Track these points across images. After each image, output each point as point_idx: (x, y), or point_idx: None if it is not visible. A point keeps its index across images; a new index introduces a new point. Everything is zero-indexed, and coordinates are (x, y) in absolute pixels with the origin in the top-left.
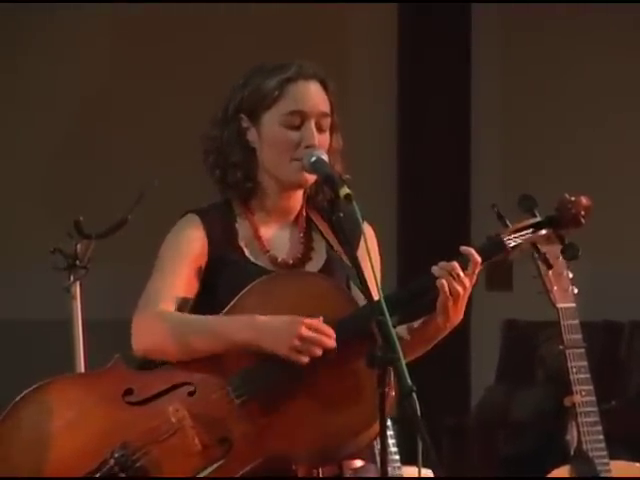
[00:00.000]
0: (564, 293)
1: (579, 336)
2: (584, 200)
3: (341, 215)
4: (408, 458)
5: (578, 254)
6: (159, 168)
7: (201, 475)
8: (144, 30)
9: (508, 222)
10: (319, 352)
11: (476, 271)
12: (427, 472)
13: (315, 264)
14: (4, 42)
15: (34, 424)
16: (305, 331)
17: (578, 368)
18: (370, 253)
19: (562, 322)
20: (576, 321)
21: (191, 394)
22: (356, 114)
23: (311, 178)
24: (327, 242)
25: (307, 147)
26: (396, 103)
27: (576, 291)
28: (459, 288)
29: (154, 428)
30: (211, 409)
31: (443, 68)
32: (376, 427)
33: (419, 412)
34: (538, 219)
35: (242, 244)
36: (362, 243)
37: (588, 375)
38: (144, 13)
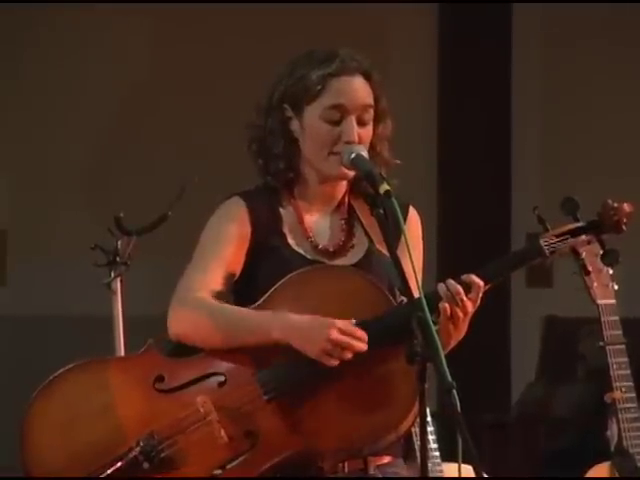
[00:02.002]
0: (604, 289)
1: (619, 332)
2: (627, 207)
3: (382, 212)
4: (448, 455)
5: (618, 260)
6: (199, 164)
7: (227, 467)
8: (184, 28)
9: (548, 226)
10: (349, 356)
11: (480, 294)
12: (467, 468)
13: (355, 253)
14: (45, 41)
15: (67, 404)
16: (337, 334)
17: (618, 364)
18: (410, 250)
19: (602, 318)
20: (616, 317)
21: (221, 385)
22: (395, 115)
23: (351, 172)
24: (367, 233)
25: (346, 143)
26: (436, 103)
27: (616, 287)
28: (460, 313)
29: (182, 418)
30: (239, 402)
31: (483, 68)
32: (404, 426)
33: (459, 408)
34: (579, 224)
35: (286, 230)
36: (402, 239)
37: (628, 371)
38: (183, 11)
